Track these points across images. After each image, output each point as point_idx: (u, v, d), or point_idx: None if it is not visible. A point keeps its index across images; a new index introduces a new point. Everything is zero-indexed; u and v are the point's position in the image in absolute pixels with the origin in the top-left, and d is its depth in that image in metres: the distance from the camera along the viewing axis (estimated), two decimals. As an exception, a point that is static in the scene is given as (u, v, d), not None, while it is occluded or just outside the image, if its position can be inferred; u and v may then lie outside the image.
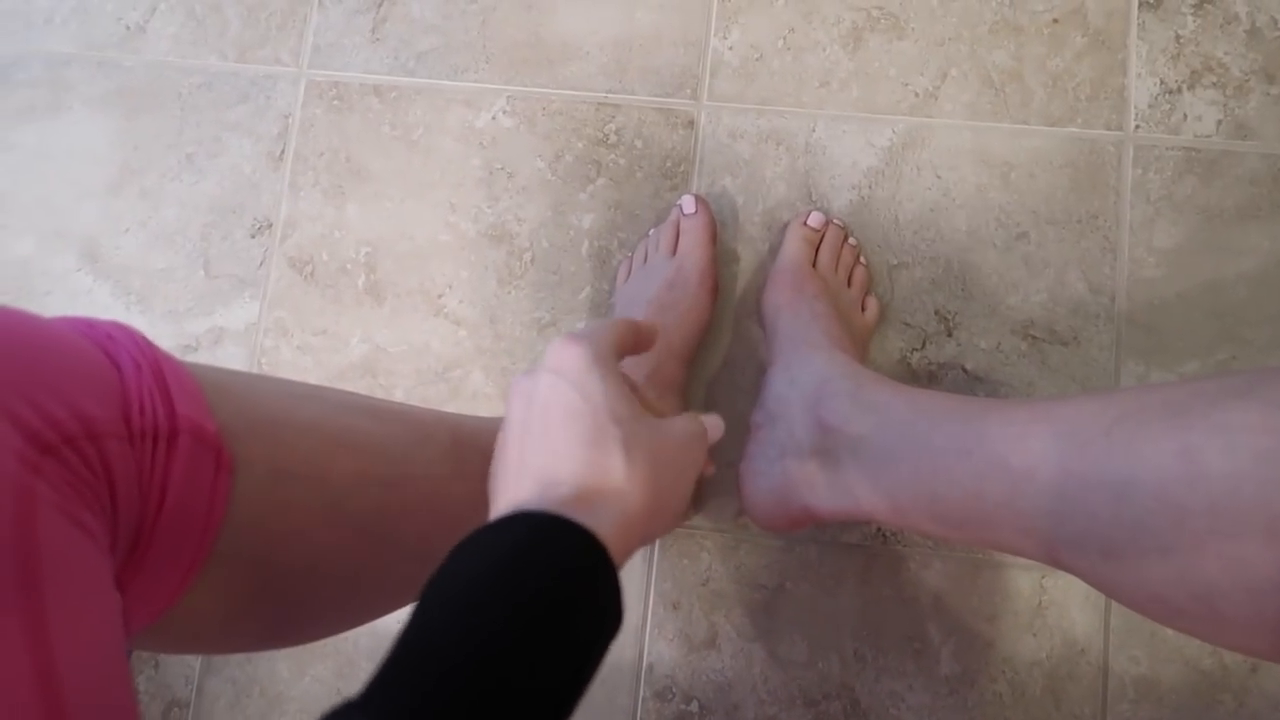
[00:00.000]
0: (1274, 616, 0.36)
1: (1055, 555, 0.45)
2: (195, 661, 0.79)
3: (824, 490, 0.60)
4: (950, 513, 0.51)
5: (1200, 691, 0.71)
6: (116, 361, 0.37)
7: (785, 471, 0.63)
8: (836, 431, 0.60)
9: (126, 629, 0.37)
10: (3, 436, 0.30)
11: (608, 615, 0.37)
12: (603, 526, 0.37)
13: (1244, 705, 0.70)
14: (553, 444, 0.40)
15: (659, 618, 0.75)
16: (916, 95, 0.80)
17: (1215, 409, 0.39)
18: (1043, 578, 0.73)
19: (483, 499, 0.51)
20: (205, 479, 0.38)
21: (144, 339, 0.39)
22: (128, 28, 0.89)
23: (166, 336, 0.83)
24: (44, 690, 0.28)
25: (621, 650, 0.75)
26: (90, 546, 0.32)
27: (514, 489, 0.40)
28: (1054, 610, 0.73)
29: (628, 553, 0.39)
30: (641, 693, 0.74)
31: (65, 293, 0.85)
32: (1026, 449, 0.47)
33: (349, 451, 0.45)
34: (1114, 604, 0.73)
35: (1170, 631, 0.72)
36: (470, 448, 0.53)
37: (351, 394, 0.52)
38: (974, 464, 0.49)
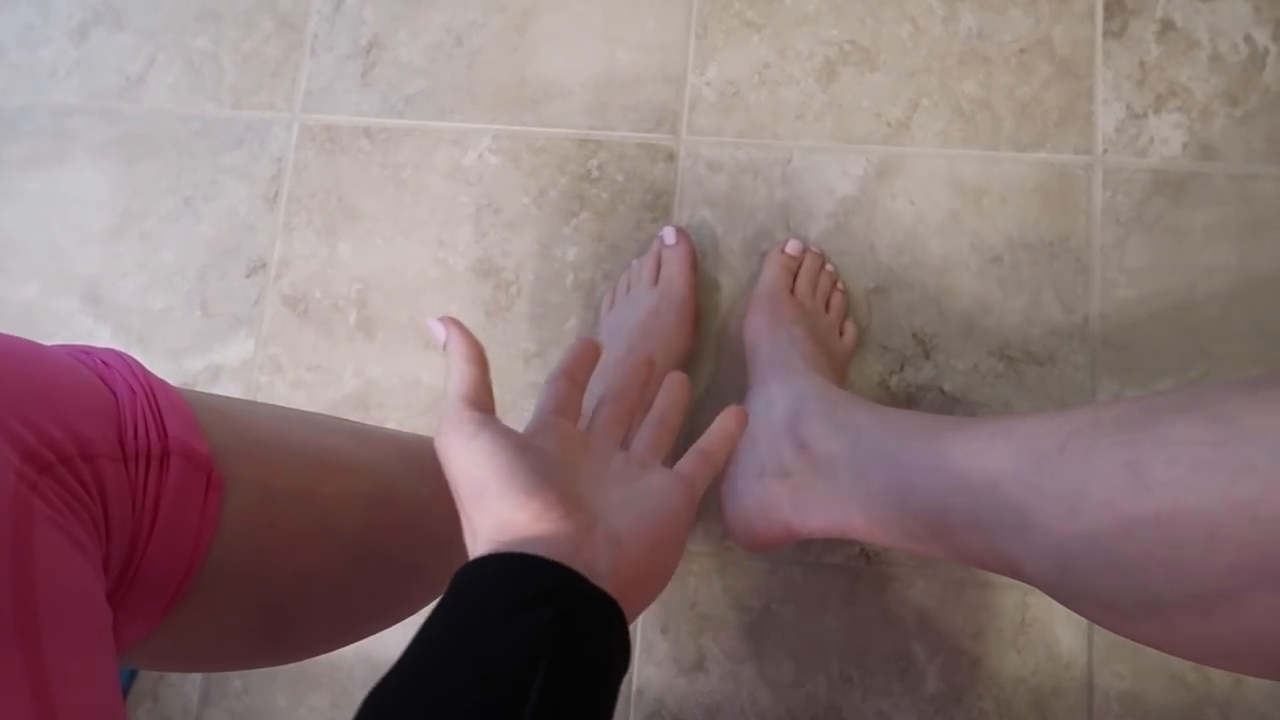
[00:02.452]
0: (1220, 624, 0.37)
1: (1016, 568, 0.47)
2: (194, 693, 0.80)
3: (802, 508, 0.62)
4: (919, 527, 0.52)
5: (1185, 706, 0.72)
6: (111, 386, 0.38)
7: (765, 490, 0.65)
8: (813, 450, 0.61)
9: (117, 645, 0.39)
10: (2, 455, 0.31)
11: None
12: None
13: (1229, 718, 0.71)
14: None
15: (648, 641, 0.76)
16: (889, 125, 0.82)
17: (1161, 423, 0.40)
18: (1026, 595, 0.74)
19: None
20: (196, 498, 0.39)
21: (138, 364, 0.41)
22: (128, 78, 0.92)
23: (166, 374, 0.85)
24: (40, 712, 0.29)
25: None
26: (84, 562, 0.34)
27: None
28: (1038, 627, 0.74)
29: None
30: (632, 717, 0.75)
31: (69, 334, 0.87)
32: (987, 464, 0.48)
33: (337, 471, 0.47)
34: (1097, 619, 0.73)
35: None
36: None
37: (339, 418, 0.53)
38: (939, 480, 0.51)
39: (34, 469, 0.33)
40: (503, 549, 0.35)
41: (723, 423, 0.45)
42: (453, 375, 0.41)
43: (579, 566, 0.34)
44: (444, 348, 0.42)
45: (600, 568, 0.35)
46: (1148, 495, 0.39)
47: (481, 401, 0.40)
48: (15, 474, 0.32)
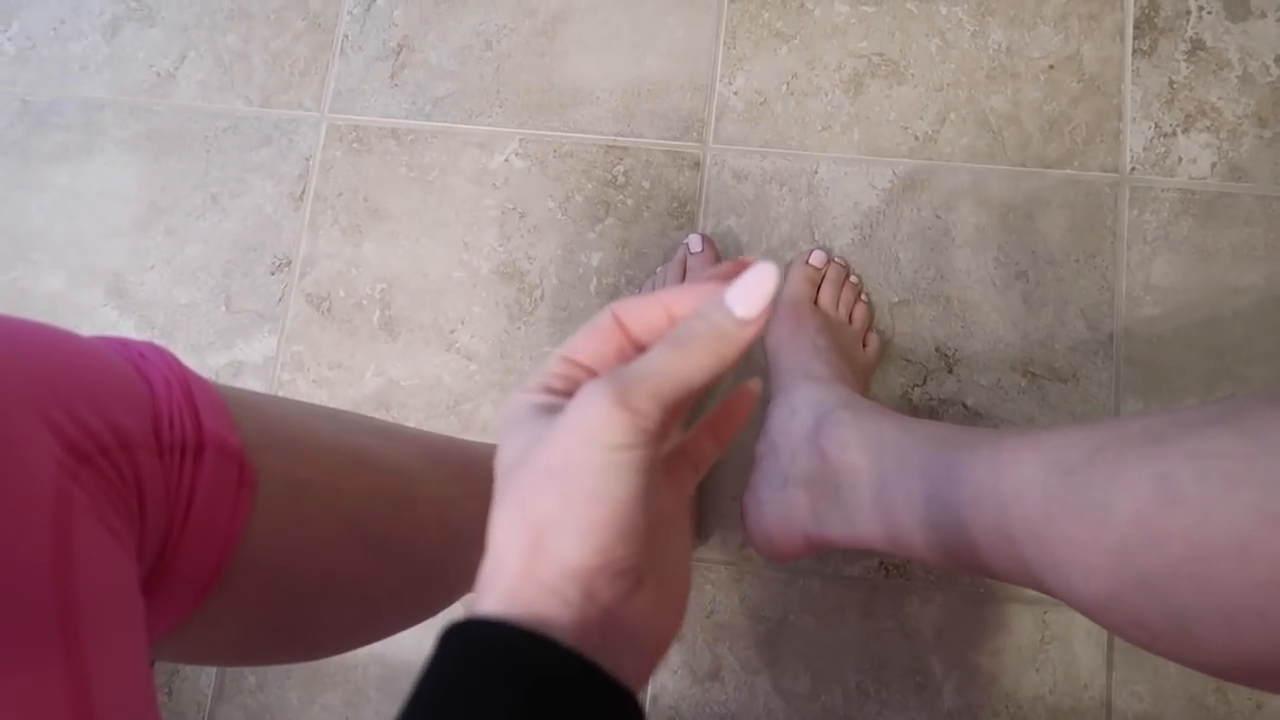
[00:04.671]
0: (1248, 640, 0.37)
1: (1041, 581, 0.46)
2: (208, 689, 0.80)
3: (825, 518, 0.61)
4: (942, 540, 0.52)
5: (1204, 728, 0.71)
6: (148, 378, 0.39)
7: (788, 500, 0.64)
8: (836, 460, 0.61)
9: (149, 635, 0.39)
10: (44, 445, 0.32)
11: None
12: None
13: (1248, 742, 0.70)
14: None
15: (663, 649, 0.76)
16: (916, 138, 0.82)
17: (1191, 436, 0.40)
18: (1045, 612, 0.74)
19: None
20: (229, 492, 0.39)
21: (174, 358, 0.41)
22: (158, 74, 0.93)
23: (187, 369, 0.86)
24: (78, 710, 0.29)
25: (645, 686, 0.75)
26: (121, 553, 0.34)
27: None
28: (1057, 645, 0.73)
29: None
30: (646, 724, 0.75)
31: (93, 327, 0.88)
32: (1014, 476, 0.48)
33: (365, 469, 0.47)
34: (1117, 640, 0.73)
35: (1174, 668, 0.72)
36: (480, 471, 0.55)
37: (367, 417, 0.53)
38: (964, 491, 0.51)
39: (74, 459, 0.33)
40: (526, 621, 0.28)
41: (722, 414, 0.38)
42: (698, 324, 0.29)
43: (604, 652, 0.29)
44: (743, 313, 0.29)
45: (636, 636, 0.30)
46: (1177, 509, 0.38)
47: (663, 407, 0.29)
48: (56, 464, 0.32)
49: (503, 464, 0.31)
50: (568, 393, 0.31)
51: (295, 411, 0.47)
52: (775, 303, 0.29)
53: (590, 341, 0.32)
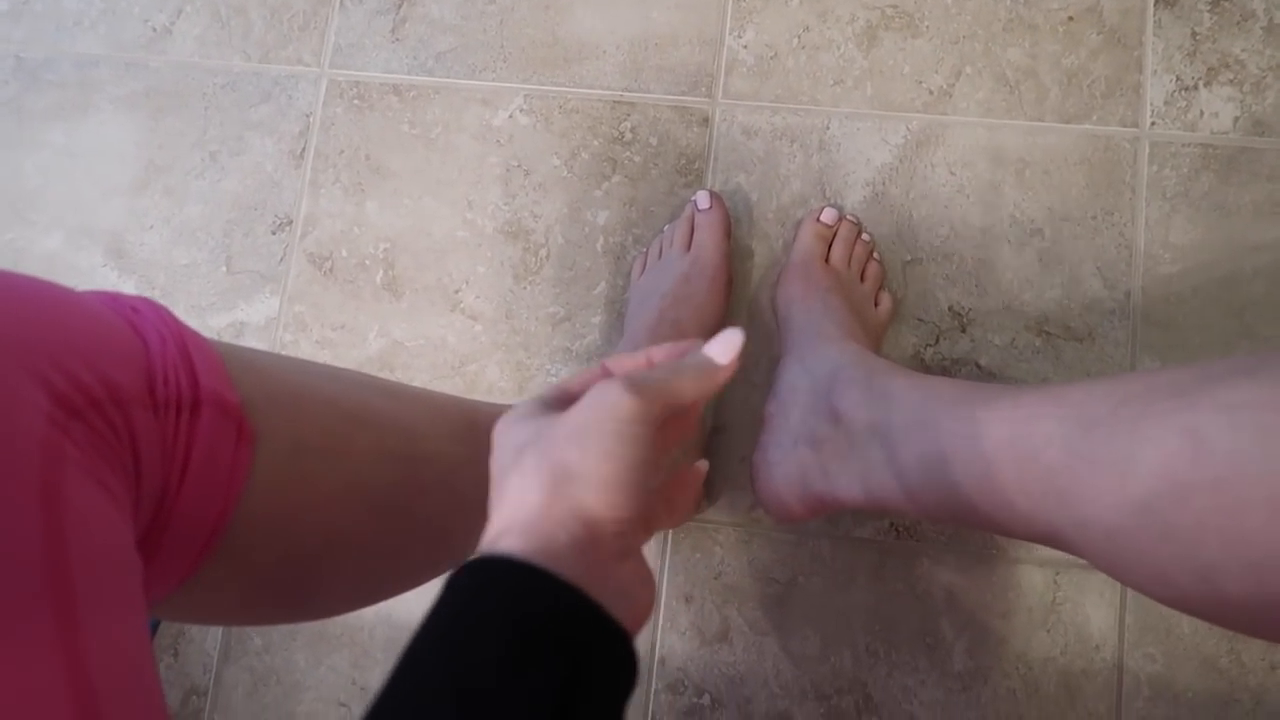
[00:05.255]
0: (1275, 593, 0.36)
1: (1061, 537, 0.45)
2: (214, 650, 0.80)
3: (837, 478, 0.60)
4: (959, 497, 0.51)
5: (1217, 690, 0.70)
6: (142, 334, 0.37)
7: (799, 460, 0.63)
8: (849, 419, 0.60)
9: (149, 596, 0.38)
10: (33, 399, 0.31)
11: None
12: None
13: (1261, 704, 0.70)
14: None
15: (672, 611, 0.75)
16: (931, 93, 0.80)
17: (1220, 388, 0.39)
18: (1056, 574, 0.73)
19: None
20: (227, 449, 0.38)
21: (168, 313, 0.40)
22: (154, 30, 0.91)
23: (189, 330, 0.85)
24: (72, 674, 0.28)
25: (635, 642, 0.75)
26: (115, 510, 0.33)
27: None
28: (1068, 607, 0.72)
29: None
30: (654, 685, 0.75)
31: (91, 287, 0.86)
32: (1034, 431, 0.47)
33: (367, 428, 0.46)
34: (1129, 601, 0.72)
35: (1186, 629, 0.71)
36: (485, 431, 0.54)
37: (369, 375, 0.52)
38: (982, 447, 0.50)
39: (65, 413, 0.32)
40: (538, 559, 0.32)
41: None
42: (686, 361, 0.38)
43: (609, 594, 0.33)
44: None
45: (622, 597, 0.34)
46: (1208, 462, 0.37)
47: (662, 407, 0.36)
48: (46, 418, 0.31)
49: (513, 443, 0.36)
50: (564, 405, 0.37)
51: (295, 369, 0.46)
52: (739, 355, 0.39)
53: (582, 377, 0.40)
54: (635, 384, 0.35)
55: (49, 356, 0.32)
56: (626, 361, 0.41)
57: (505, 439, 0.37)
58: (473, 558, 0.33)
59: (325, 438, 0.44)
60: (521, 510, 0.34)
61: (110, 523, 0.32)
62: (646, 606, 0.36)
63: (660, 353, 0.41)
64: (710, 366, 0.38)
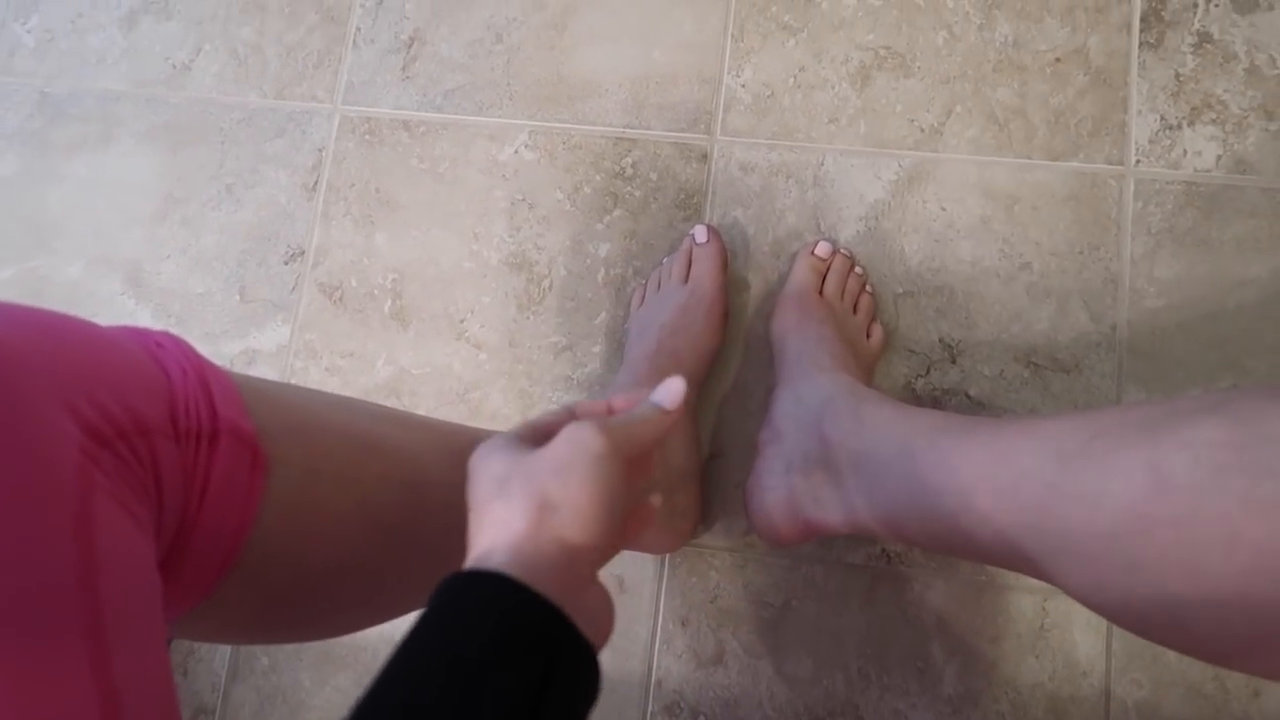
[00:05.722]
0: (1238, 629, 0.38)
1: (1038, 567, 0.47)
2: (222, 669, 0.82)
3: (826, 504, 0.62)
4: (941, 526, 0.53)
5: (1203, 717, 0.72)
6: (164, 366, 0.40)
7: (790, 486, 0.65)
8: (838, 447, 0.62)
9: (166, 616, 0.40)
10: (66, 430, 0.33)
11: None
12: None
13: (1246, 730, 0.71)
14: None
15: (668, 634, 0.77)
16: (922, 131, 0.83)
17: (1185, 425, 0.40)
18: (1045, 600, 0.74)
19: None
20: (243, 475, 0.41)
21: (189, 347, 0.42)
22: (174, 66, 0.94)
23: (203, 357, 0.88)
24: (103, 696, 0.31)
25: (630, 665, 0.77)
26: (140, 535, 0.35)
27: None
28: (1056, 633, 0.74)
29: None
30: (650, 708, 0.76)
31: (110, 315, 0.89)
32: (1011, 464, 0.49)
33: (376, 455, 0.48)
34: (1116, 628, 0.74)
35: (1173, 656, 0.73)
36: None
37: (378, 405, 0.55)
38: (962, 478, 0.52)
39: (95, 443, 0.34)
40: (515, 570, 0.36)
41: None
42: (638, 409, 0.44)
43: (580, 615, 0.37)
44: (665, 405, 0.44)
45: (588, 620, 0.38)
46: (1168, 497, 0.39)
47: (628, 448, 0.41)
48: (78, 448, 0.33)
49: (492, 474, 0.40)
50: (535, 441, 0.42)
51: (307, 399, 0.48)
52: (687, 402, 0.45)
53: (550, 417, 0.45)
54: (605, 426, 0.40)
55: (80, 389, 0.35)
56: (592, 406, 0.46)
57: (484, 470, 0.41)
58: (465, 569, 0.37)
59: (336, 464, 0.46)
60: (506, 534, 0.38)
61: (136, 549, 0.35)
62: (608, 628, 0.40)
63: (620, 400, 0.47)
64: (659, 412, 0.44)
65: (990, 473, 0.50)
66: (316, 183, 0.90)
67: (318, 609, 0.47)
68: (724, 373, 0.81)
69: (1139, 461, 0.41)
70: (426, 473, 0.51)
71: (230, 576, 0.42)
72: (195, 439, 0.39)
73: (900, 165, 0.83)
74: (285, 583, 0.44)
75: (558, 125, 0.87)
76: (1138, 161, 0.80)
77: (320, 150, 0.90)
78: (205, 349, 0.87)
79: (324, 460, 0.45)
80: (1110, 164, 0.81)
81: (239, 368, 0.87)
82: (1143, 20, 0.83)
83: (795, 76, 0.85)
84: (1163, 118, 0.81)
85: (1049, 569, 0.46)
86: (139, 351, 0.40)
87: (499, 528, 0.38)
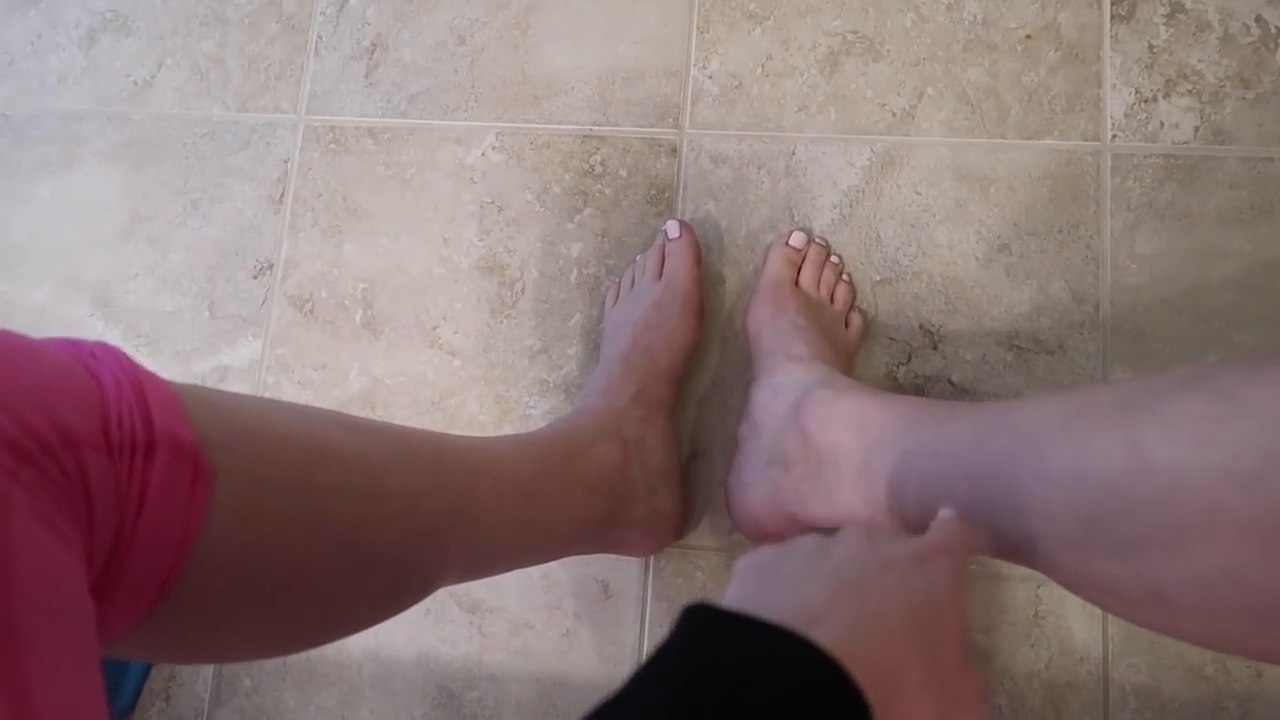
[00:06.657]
0: (1225, 606, 0.36)
1: (1021, 553, 0.46)
2: (204, 693, 0.80)
3: (807, 497, 0.61)
4: (923, 515, 0.51)
5: (1204, 699, 0.70)
6: (97, 376, 0.38)
7: (771, 480, 0.64)
8: (817, 439, 0.61)
9: (106, 635, 0.39)
10: None
11: None
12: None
13: (1248, 711, 0.69)
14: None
15: (655, 636, 0.76)
16: (894, 115, 0.82)
17: (1162, 401, 0.39)
18: (1038, 588, 0.73)
19: (465, 511, 0.53)
20: (183, 487, 0.39)
21: (125, 357, 0.41)
22: (136, 83, 0.93)
23: (174, 376, 0.85)
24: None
25: (617, 671, 0.75)
26: (65, 553, 0.34)
27: None
28: (1051, 620, 0.72)
29: None
30: (640, 713, 0.74)
31: (79, 337, 0.88)
32: (989, 448, 0.47)
33: (328, 462, 0.47)
34: (1112, 612, 0.72)
35: (1171, 639, 0.71)
36: (454, 463, 0.54)
37: (335, 411, 0.53)
38: (941, 465, 0.50)
39: (14, 457, 0.33)
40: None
41: None
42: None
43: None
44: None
45: None
46: (1148, 475, 0.38)
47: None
48: None
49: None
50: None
51: (255, 406, 0.47)
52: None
53: None
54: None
55: None
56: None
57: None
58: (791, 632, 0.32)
59: (285, 473, 0.45)
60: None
61: (61, 567, 0.33)
62: None
63: None
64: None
65: (970, 460, 0.48)
66: (283, 195, 0.88)
67: (274, 624, 0.46)
68: (702, 369, 0.79)
69: (1118, 440, 0.40)
70: (385, 480, 0.50)
71: (176, 591, 0.40)
72: (130, 450, 0.37)
73: (873, 151, 0.81)
74: (235, 597, 0.42)
75: (524, 125, 0.86)
76: (1114, 136, 0.79)
77: (285, 161, 0.89)
78: (177, 367, 0.86)
79: (271, 468, 0.44)
80: (1086, 140, 0.79)
81: (211, 384, 0.85)
82: (1113, -7, 0.81)
83: (763, 66, 0.84)
84: (1137, 91, 0.80)
85: (1033, 556, 0.45)
86: (68, 361, 0.38)
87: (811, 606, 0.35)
